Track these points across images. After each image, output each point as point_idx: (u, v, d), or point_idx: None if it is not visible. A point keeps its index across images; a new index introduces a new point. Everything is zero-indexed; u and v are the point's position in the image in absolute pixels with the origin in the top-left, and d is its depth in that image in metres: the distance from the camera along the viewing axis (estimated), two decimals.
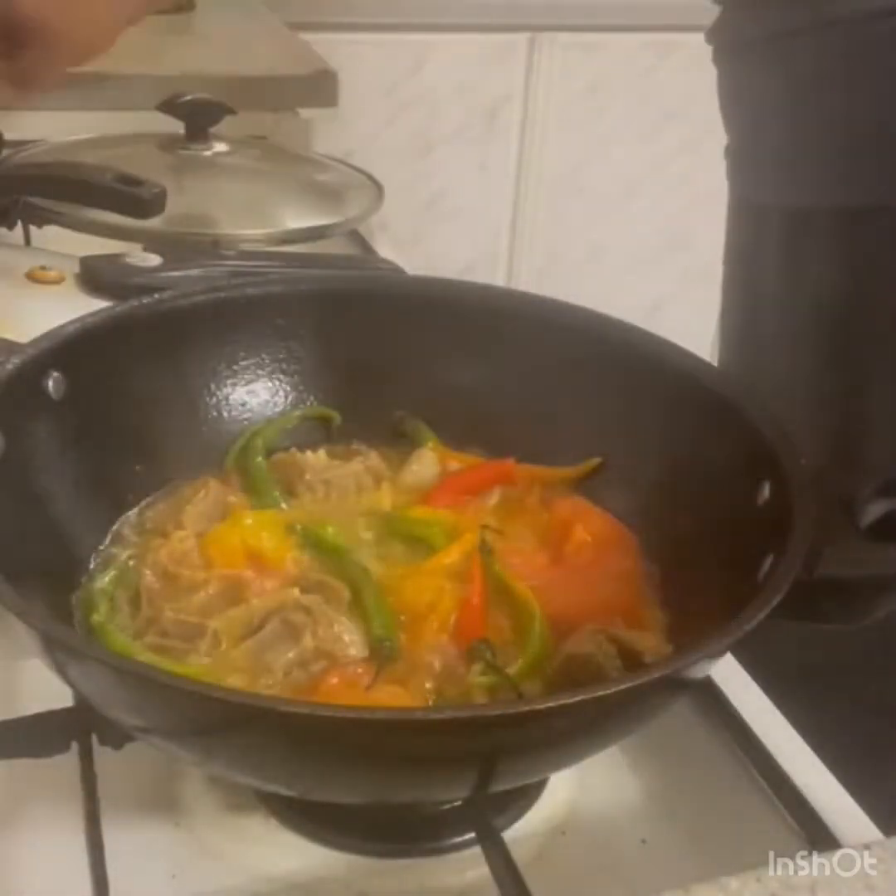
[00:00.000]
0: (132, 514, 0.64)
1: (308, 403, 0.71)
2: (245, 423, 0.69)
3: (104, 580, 0.59)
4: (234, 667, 0.54)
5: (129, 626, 0.57)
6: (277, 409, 0.70)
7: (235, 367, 0.69)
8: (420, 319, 0.71)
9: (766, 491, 0.56)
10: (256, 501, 0.65)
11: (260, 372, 0.70)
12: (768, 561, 0.52)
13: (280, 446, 0.68)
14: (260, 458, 0.67)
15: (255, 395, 0.70)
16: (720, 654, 0.49)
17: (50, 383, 0.61)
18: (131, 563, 0.61)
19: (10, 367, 0.59)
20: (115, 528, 0.63)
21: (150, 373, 0.66)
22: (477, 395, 0.70)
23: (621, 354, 0.66)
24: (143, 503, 0.65)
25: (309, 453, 0.67)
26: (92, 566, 0.60)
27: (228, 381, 0.69)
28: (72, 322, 0.63)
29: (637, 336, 0.66)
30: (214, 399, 0.69)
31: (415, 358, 0.71)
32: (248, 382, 0.70)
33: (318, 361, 0.71)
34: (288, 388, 0.71)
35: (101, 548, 0.62)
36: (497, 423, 0.70)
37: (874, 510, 0.55)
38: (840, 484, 0.56)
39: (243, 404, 0.70)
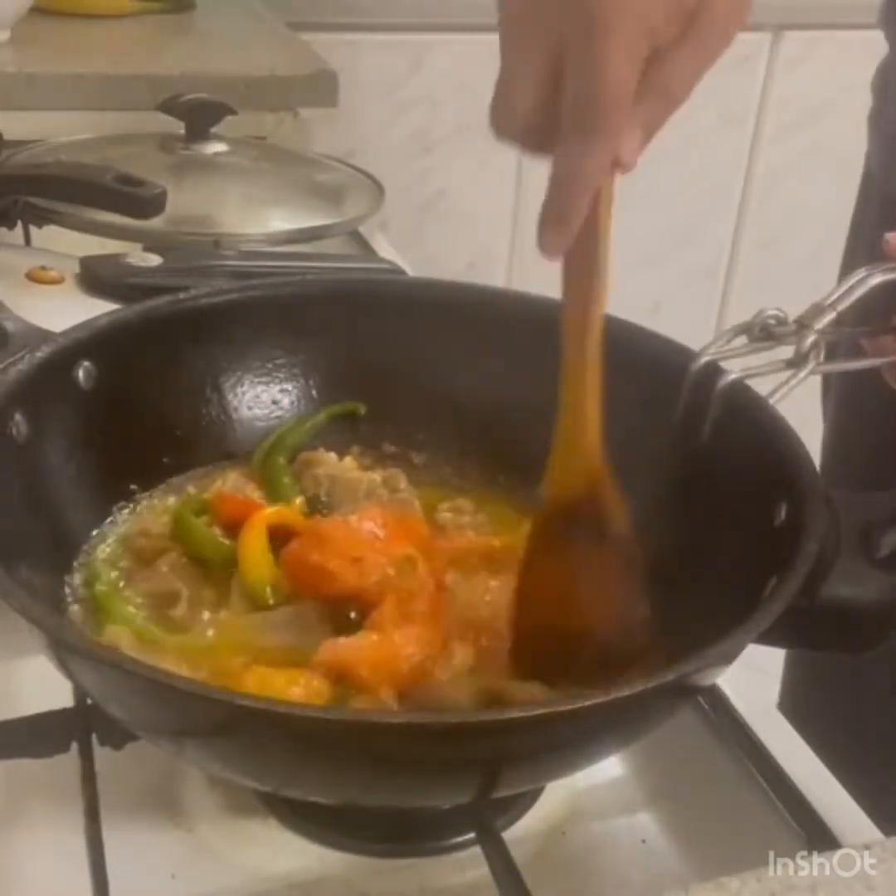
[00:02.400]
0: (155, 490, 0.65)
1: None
2: (276, 421, 0.69)
3: (108, 550, 0.60)
4: None
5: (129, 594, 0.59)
6: (309, 409, 0.70)
7: (269, 366, 0.69)
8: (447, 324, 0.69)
9: (782, 512, 0.55)
10: (272, 497, 0.65)
11: (295, 371, 0.70)
12: (771, 584, 0.51)
13: (310, 446, 0.68)
14: (281, 457, 0.67)
15: (288, 393, 0.70)
16: (692, 674, 0.48)
17: (80, 372, 0.61)
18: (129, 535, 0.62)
19: (40, 354, 0.59)
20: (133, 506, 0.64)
21: (184, 368, 0.66)
22: (477, 398, 0.69)
23: (636, 359, 0.63)
24: (162, 486, 0.65)
25: (333, 455, 0.68)
26: (103, 540, 0.61)
27: (263, 379, 0.69)
28: (106, 314, 0.64)
29: (646, 337, 0.66)
30: (247, 396, 0.69)
31: (440, 363, 0.70)
32: (281, 381, 0.69)
33: (351, 364, 0.70)
34: (321, 389, 0.70)
35: (109, 519, 0.63)
36: (500, 427, 0.69)
37: (890, 540, 0.54)
38: (856, 510, 0.54)
39: (275, 403, 0.69)
